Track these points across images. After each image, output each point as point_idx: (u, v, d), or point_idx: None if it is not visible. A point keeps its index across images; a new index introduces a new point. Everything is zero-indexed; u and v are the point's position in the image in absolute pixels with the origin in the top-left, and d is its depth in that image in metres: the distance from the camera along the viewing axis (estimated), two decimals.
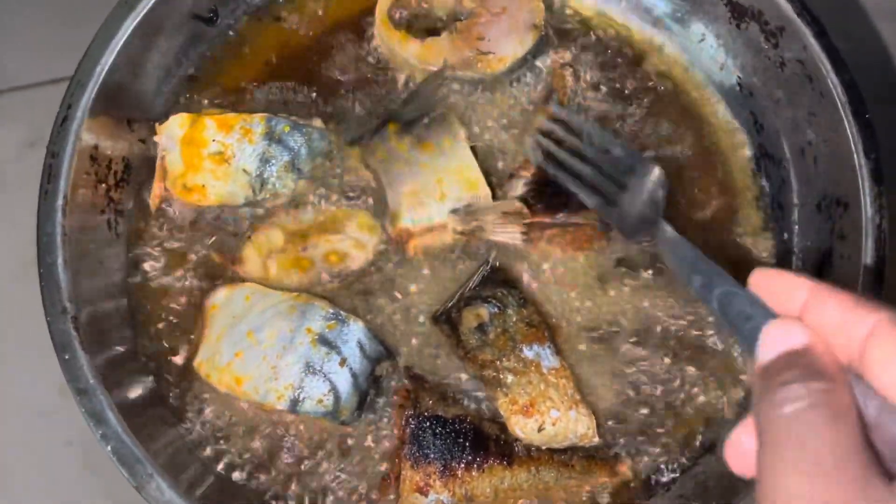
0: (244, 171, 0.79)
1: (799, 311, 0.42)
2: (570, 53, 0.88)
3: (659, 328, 0.80)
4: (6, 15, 1.01)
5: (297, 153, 0.80)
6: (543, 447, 0.74)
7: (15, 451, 0.86)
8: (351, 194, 0.82)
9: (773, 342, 0.42)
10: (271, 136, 0.79)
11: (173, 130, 0.80)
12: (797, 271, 0.77)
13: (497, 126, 0.86)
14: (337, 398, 0.73)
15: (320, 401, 0.73)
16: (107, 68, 0.77)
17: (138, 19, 0.79)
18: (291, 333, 0.74)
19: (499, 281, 0.79)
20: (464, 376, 0.77)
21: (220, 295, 0.77)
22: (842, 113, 0.77)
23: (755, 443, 0.40)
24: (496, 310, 0.76)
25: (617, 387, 0.79)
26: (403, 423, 0.73)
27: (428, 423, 0.72)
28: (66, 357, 0.70)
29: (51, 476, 0.85)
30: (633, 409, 0.79)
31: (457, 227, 0.79)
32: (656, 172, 0.65)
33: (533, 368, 0.74)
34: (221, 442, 0.76)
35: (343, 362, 0.74)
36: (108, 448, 0.69)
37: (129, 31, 0.79)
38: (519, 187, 0.81)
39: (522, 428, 0.73)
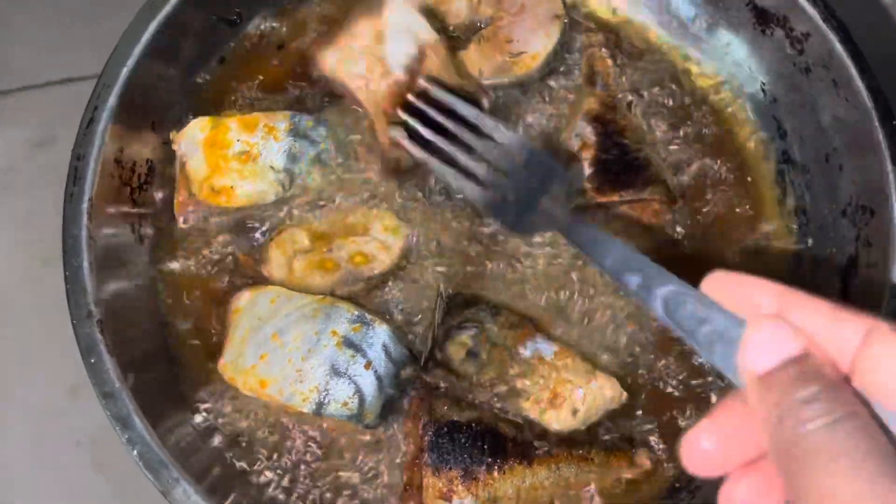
0: (272, 168, 0.79)
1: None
2: (601, 36, 0.88)
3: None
4: (15, 13, 1.01)
5: (322, 145, 0.80)
6: (582, 427, 0.74)
7: (23, 452, 0.86)
8: (376, 195, 0.82)
9: (763, 349, 0.40)
10: (296, 132, 0.79)
11: (194, 135, 0.79)
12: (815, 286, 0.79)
13: (543, 121, 0.86)
14: (362, 401, 0.73)
15: (345, 404, 0.73)
16: (132, 70, 0.77)
17: (163, 21, 0.79)
18: (317, 336, 0.74)
19: (461, 304, 0.79)
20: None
21: (245, 297, 0.77)
22: (868, 119, 0.76)
23: (716, 443, 0.41)
24: (475, 331, 0.76)
25: (617, 357, 0.79)
26: (421, 431, 0.72)
27: (445, 430, 0.72)
28: (92, 360, 0.70)
29: (59, 477, 0.85)
30: (639, 374, 0.79)
31: None
32: (549, 160, 0.63)
33: (538, 362, 0.74)
34: (246, 445, 0.76)
35: (368, 365, 0.74)
36: (134, 452, 0.68)
37: (153, 33, 0.79)
38: (584, 170, 0.80)
39: (558, 420, 0.73)
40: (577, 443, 0.74)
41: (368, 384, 0.74)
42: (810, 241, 0.83)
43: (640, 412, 0.78)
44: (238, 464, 0.76)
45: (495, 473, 0.71)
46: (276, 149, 0.79)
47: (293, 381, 0.73)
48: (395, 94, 0.79)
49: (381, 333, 0.75)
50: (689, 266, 0.80)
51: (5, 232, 0.93)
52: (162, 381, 0.76)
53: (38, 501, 0.85)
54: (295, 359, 0.73)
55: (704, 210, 0.84)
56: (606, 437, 0.76)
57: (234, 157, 0.78)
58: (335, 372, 0.73)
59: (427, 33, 0.81)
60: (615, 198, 0.79)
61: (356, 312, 0.75)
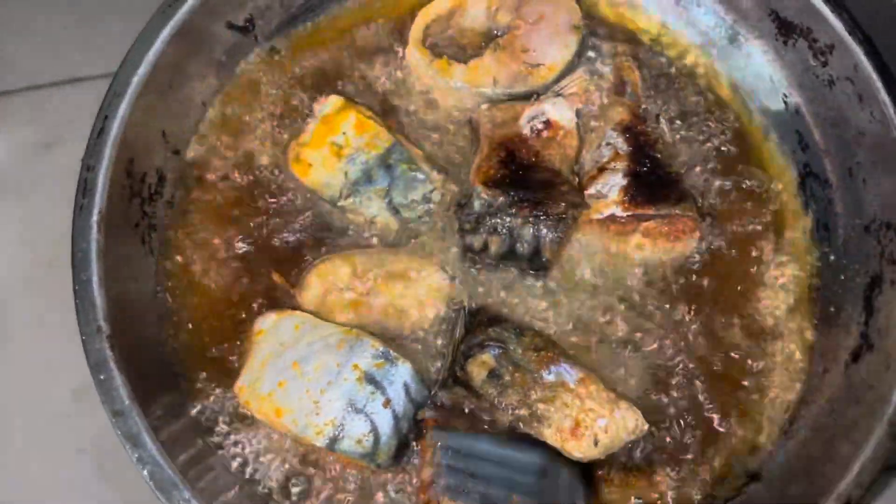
0: (345, 173, 0.80)
1: None
2: (627, 46, 0.87)
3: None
4: (20, 13, 1.00)
5: (393, 183, 0.80)
6: (602, 457, 0.73)
7: (26, 459, 0.85)
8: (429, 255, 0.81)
9: None
10: (384, 159, 0.80)
11: (326, 106, 0.82)
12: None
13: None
14: (377, 440, 0.72)
15: (359, 441, 0.71)
16: (144, 79, 0.76)
17: (175, 29, 0.77)
18: (338, 368, 0.72)
19: (484, 322, 0.77)
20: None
21: (269, 321, 0.76)
22: (893, 133, 0.75)
23: None
24: (498, 350, 0.74)
25: (641, 383, 0.78)
26: (437, 455, 0.71)
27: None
28: (102, 377, 0.69)
29: (63, 484, 0.84)
30: (660, 405, 0.78)
31: None
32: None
33: (561, 389, 0.73)
34: (257, 468, 0.75)
35: (387, 403, 0.72)
36: (145, 472, 0.67)
37: (165, 41, 0.77)
38: (617, 181, 0.79)
39: (579, 449, 0.71)
40: (597, 463, 0.73)
41: (385, 423, 0.72)
42: (832, 257, 0.82)
43: (657, 433, 0.77)
44: (251, 486, 0.74)
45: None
46: (359, 160, 0.80)
47: (309, 412, 0.71)
48: None
49: (403, 372, 0.74)
50: (712, 285, 0.81)
51: (10, 233, 0.92)
52: (173, 399, 0.75)
53: None
54: (313, 390, 0.72)
55: (726, 225, 0.83)
56: (624, 458, 0.75)
57: (329, 143, 0.81)
58: (353, 407, 0.71)
59: None
60: (649, 210, 0.78)
61: (381, 348, 0.74)
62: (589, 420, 0.72)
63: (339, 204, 0.81)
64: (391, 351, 0.74)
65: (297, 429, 0.71)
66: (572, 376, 0.74)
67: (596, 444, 0.71)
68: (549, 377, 0.73)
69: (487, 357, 0.74)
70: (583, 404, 0.72)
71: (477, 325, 0.77)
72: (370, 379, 0.72)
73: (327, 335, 0.74)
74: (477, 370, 0.74)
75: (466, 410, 0.73)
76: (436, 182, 0.81)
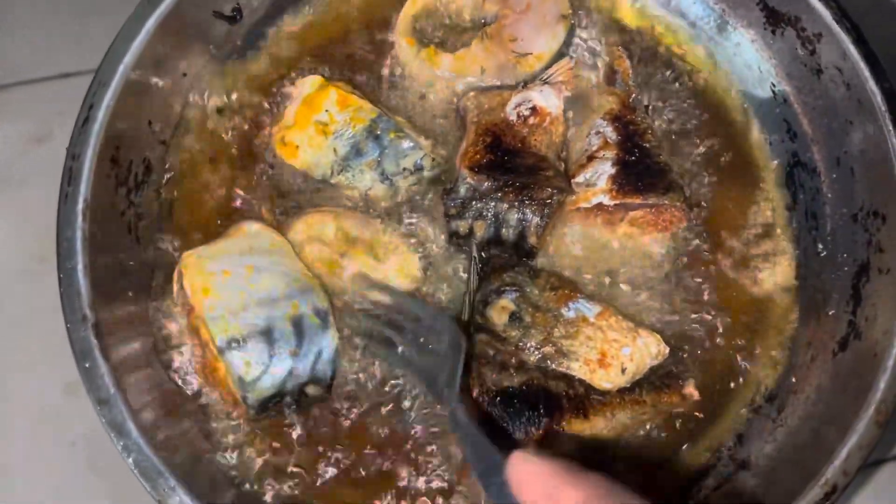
0: (334, 150, 0.80)
1: None
2: (619, 37, 0.87)
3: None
4: (11, 8, 0.99)
5: (384, 153, 0.80)
6: (628, 385, 0.74)
7: (18, 452, 0.84)
8: (414, 236, 0.81)
9: None
10: (371, 131, 0.80)
11: (304, 87, 0.82)
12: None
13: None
14: (261, 375, 0.72)
15: (248, 363, 0.72)
16: (129, 67, 0.76)
17: (161, 18, 0.77)
18: (281, 296, 0.74)
19: (497, 268, 0.78)
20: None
21: (255, 227, 0.78)
22: (881, 122, 0.75)
23: None
24: (516, 293, 0.75)
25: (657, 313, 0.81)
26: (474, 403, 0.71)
27: (498, 399, 0.71)
28: (87, 365, 0.69)
29: (55, 477, 0.84)
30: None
31: None
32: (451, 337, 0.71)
33: (582, 323, 0.74)
34: (243, 453, 0.75)
35: (294, 353, 0.73)
36: (130, 460, 0.67)
37: (151, 30, 0.77)
38: (605, 169, 0.79)
39: (608, 379, 0.72)
40: (628, 388, 0.74)
41: (280, 367, 0.72)
42: (820, 246, 0.82)
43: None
44: (233, 470, 0.74)
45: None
46: (347, 135, 0.81)
47: (230, 310, 0.72)
48: None
49: (326, 342, 0.75)
50: (699, 275, 0.81)
51: (2, 227, 0.92)
52: (157, 386, 0.74)
53: (33, 502, 0.84)
54: (248, 296, 0.73)
55: (713, 214, 0.83)
56: (652, 379, 0.75)
57: (314, 123, 0.81)
58: (266, 335, 0.72)
59: None
60: (637, 200, 0.78)
61: (325, 307, 0.75)
62: (614, 350, 0.73)
63: (332, 181, 0.81)
64: (331, 318, 0.75)
65: (209, 314, 0.72)
66: (591, 311, 0.75)
67: (623, 371, 0.73)
68: (569, 314, 0.75)
69: (506, 302, 0.75)
70: (605, 336, 0.74)
71: (491, 272, 0.77)
72: (297, 323, 0.74)
73: (293, 269, 0.77)
74: (497, 315, 0.75)
75: (493, 355, 0.73)
76: (425, 147, 0.81)
